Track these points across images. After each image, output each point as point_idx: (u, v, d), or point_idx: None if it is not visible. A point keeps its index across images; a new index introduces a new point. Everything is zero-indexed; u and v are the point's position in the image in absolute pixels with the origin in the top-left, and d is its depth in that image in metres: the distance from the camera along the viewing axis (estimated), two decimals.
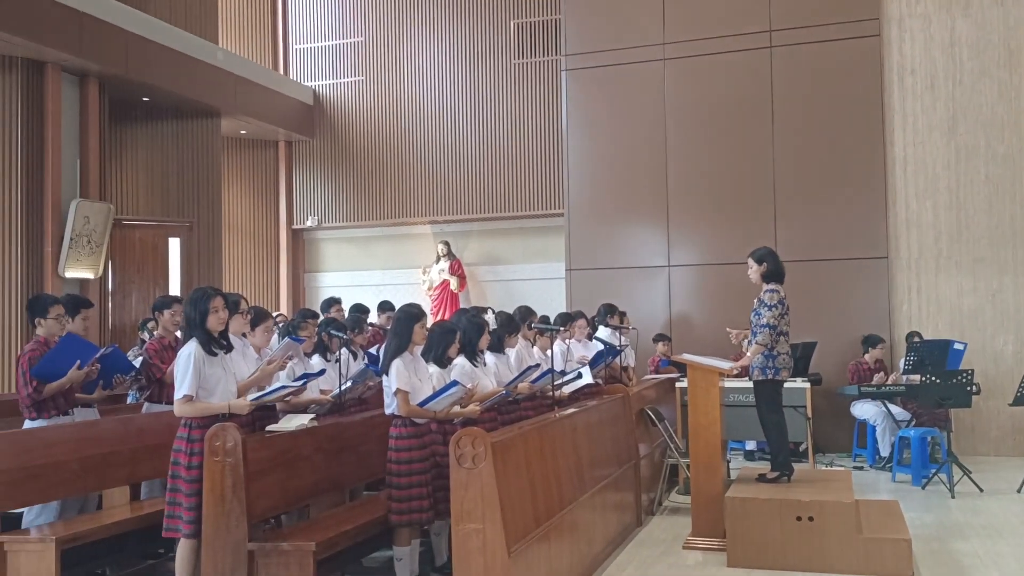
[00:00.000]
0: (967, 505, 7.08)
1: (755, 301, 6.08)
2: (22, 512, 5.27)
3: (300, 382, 5.10)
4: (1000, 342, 9.45)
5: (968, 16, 9.69)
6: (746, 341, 6.25)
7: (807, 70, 10.09)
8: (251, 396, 4.73)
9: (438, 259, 13.55)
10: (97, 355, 5.60)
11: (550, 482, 4.88)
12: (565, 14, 11.18)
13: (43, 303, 5.69)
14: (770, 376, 5.91)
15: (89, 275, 10.16)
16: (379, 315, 9.23)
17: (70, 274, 9.90)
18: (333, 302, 8.40)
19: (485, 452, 4.14)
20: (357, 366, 6.36)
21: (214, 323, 4.60)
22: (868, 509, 5.92)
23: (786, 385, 6.24)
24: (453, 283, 13.38)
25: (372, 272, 14.20)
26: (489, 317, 6.45)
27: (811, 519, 5.31)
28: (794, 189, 10.06)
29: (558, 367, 6.27)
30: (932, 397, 7.67)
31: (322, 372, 5.69)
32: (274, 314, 10.80)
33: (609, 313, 8.66)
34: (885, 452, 8.66)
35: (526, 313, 6.70)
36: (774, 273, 6.05)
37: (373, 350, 7.51)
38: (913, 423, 8.68)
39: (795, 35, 10.12)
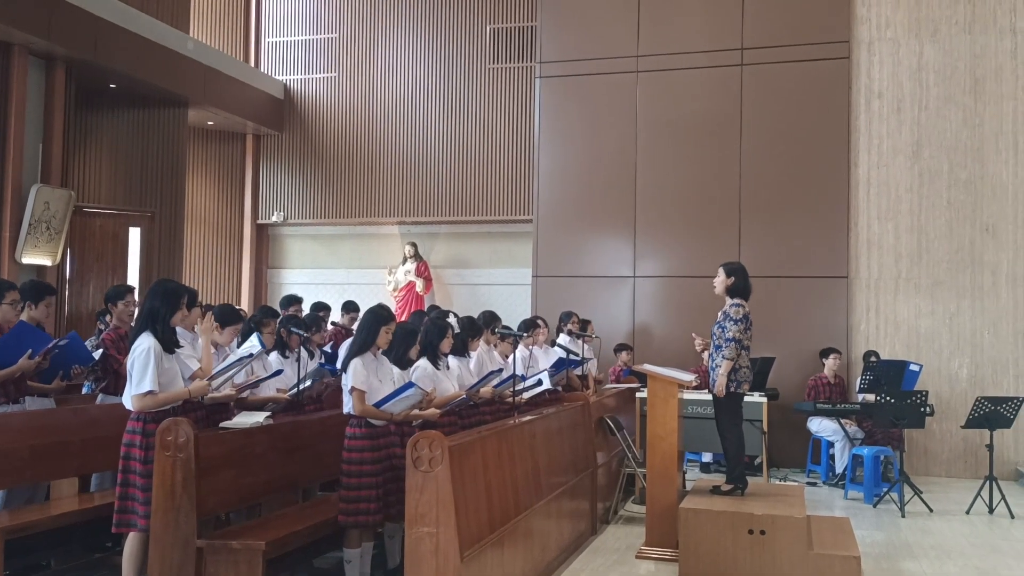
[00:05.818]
0: (917, 525, 7.18)
1: (719, 314, 6.14)
2: None
3: (248, 357, 5.04)
4: (955, 365, 9.61)
5: (936, 42, 9.86)
6: (706, 353, 6.32)
7: (777, 89, 10.20)
8: (212, 376, 4.71)
9: (404, 260, 13.49)
10: (50, 345, 5.49)
11: (506, 488, 4.88)
12: (541, 21, 11.21)
13: None
14: (731, 388, 5.97)
15: (47, 262, 9.97)
16: (343, 315, 9.19)
17: (27, 260, 9.71)
18: (293, 300, 8.33)
19: (442, 455, 4.13)
20: (313, 365, 6.31)
21: (179, 320, 4.62)
22: (820, 525, 5.98)
23: (744, 399, 6.30)
24: (419, 285, 13.32)
25: (337, 271, 14.09)
26: (451, 320, 6.44)
27: (763, 533, 5.36)
28: (759, 206, 10.16)
29: (519, 373, 6.27)
30: (886, 416, 7.77)
31: (279, 372, 5.65)
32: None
33: (566, 320, 8.68)
34: (842, 469, 8.76)
35: (491, 318, 6.71)
36: (741, 289, 6.11)
37: (329, 348, 7.47)
38: (866, 441, 8.79)
39: (766, 54, 10.23)
